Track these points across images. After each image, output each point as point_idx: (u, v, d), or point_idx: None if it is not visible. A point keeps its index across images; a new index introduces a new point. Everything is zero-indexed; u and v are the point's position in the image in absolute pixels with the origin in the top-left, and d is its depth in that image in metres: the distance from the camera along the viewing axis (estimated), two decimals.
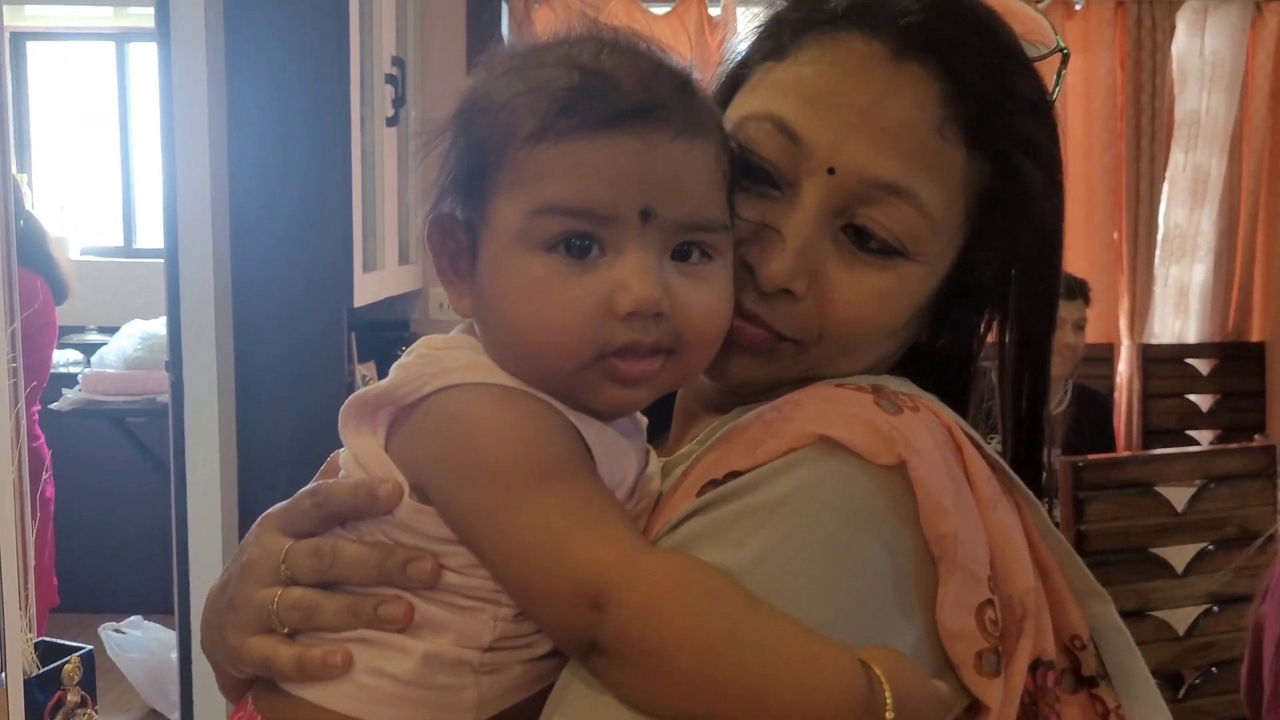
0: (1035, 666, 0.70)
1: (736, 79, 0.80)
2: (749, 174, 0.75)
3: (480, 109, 0.71)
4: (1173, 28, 3.84)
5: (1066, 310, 3.10)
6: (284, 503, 0.76)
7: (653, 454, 0.76)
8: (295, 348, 2.78)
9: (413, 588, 0.69)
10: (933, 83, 0.73)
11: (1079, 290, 3.16)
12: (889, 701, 0.61)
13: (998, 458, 0.74)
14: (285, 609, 0.72)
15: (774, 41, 0.78)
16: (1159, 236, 3.95)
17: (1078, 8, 3.88)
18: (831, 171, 0.73)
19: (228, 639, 0.74)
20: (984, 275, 0.78)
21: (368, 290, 2.91)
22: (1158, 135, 3.85)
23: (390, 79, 3.25)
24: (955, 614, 0.66)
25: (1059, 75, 0.81)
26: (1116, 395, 3.95)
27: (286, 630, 0.72)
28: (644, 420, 0.77)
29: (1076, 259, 3.96)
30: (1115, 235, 3.94)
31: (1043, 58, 0.79)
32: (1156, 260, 3.96)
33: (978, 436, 0.74)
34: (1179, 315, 4.03)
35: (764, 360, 0.76)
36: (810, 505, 0.66)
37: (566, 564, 0.64)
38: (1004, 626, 0.68)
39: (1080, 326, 3.16)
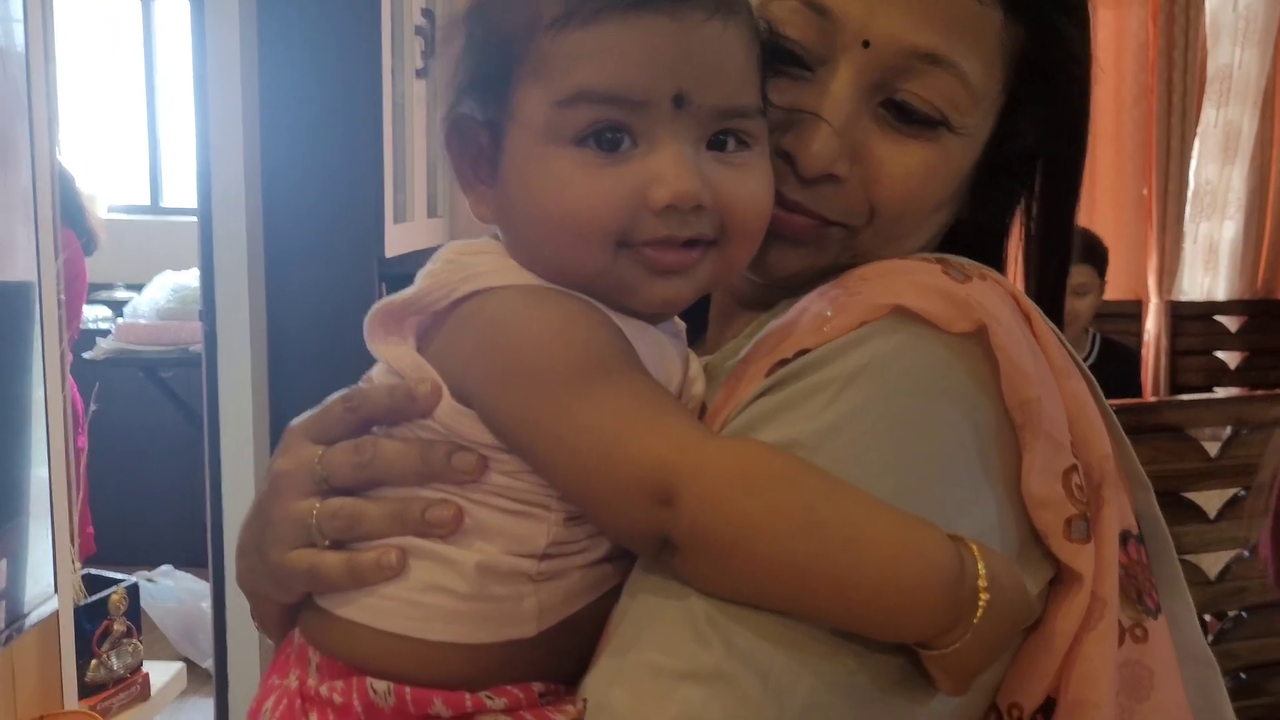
0: (1125, 540, 0.69)
1: None
2: (779, 56, 0.72)
3: None
4: None
5: (1085, 274, 3.06)
6: (313, 410, 0.73)
7: (694, 357, 0.74)
8: (327, 297, 2.80)
9: (459, 481, 0.66)
10: None
11: (1088, 254, 3.10)
12: (982, 574, 0.58)
13: (1057, 330, 0.72)
14: (326, 519, 0.68)
15: None
16: (1189, 193, 3.94)
17: None
18: (866, 45, 0.70)
19: (269, 558, 0.70)
20: (1021, 145, 0.77)
21: (399, 241, 2.93)
22: (1189, 91, 3.83)
23: (420, 30, 3.25)
24: (1043, 480, 0.64)
25: None
26: (1144, 352, 3.94)
27: (328, 542, 0.68)
28: (683, 325, 0.75)
29: (1105, 213, 3.95)
30: (1145, 191, 3.93)
31: None
32: (1186, 217, 3.94)
33: (1037, 309, 0.72)
34: (1208, 272, 4.02)
35: (811, 250, 0.74)
36: (886, 376, 0.64)
37: (627, 463, 0.61)
38: (1088, 493, 0.66)
39: (1084, 293, 3.10)
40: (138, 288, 4.29)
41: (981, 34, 0.71)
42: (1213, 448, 2.28)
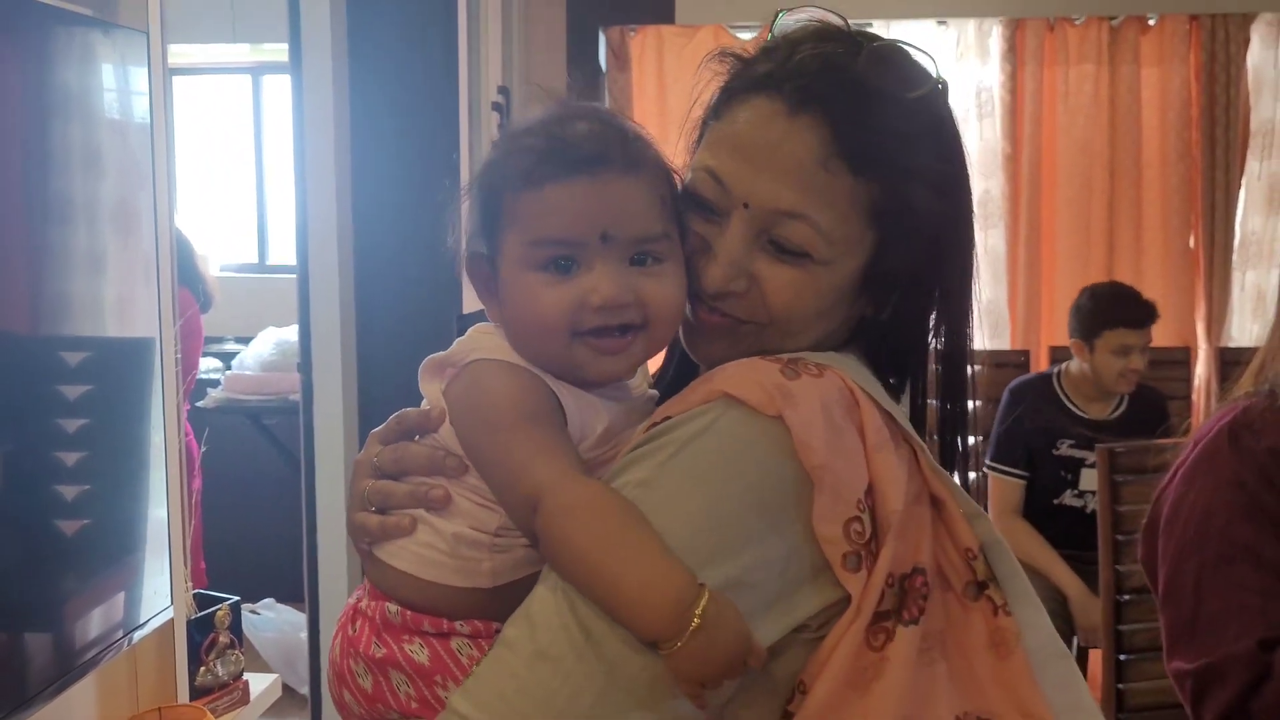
0: (914, 572, 0.90)
1: (700, 134, 1.04)
2: (700, 206, 0.98)
3: (488, 171, 0.98)
4: (1247, 40, 3.94)
5: (1135, 337, 3.22)
6: (384, 423, 1.04)
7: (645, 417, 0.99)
8: (411, 350, 2.96)
9: (449, 476, 0.96)
10: (816, 129, 0.93)
11: (1149, 316, 3.27)
12: (700, 608, 0.81)
13: (897, 414, 0.95)
14: (373, 493, 1.00)
15: (715, 105, 1.01)
16: (1235, 242, 4.05)
17: (1151, 22, 4.01)
18: (746, 206, 0.96)
19: (349, 518, 1.02)
20: (894, 266, 0.99)
21: (474, 299, 3.16)
22: (1232, 144, 3.96)
23: (496, 106, 3.51)
24: (826, 523, 0.87)
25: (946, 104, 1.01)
26: (1195, 397, 4.05)
27: (374, 509, 1.00)
28: (651, 393, 1.03)
29: (1153, 264, 4.09)
30: (1191, 242, 4.05)
31: (924, 93, 0.98)
32: (1233, 265, 4.05)
33: (881, 395, 0.95)
34: (1256, 319, 4.12)
35: (730, 340, 0.99)
36: (708, 442, 0.88)
37: (522, 481, 0.89)
38: (871, 537, 0.88)
39: (1143, 349, 3.26)
40: (246, 340, 4.57)
41: (832, 194, 0.94)
42: None
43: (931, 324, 1.04)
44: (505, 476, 0.92)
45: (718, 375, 0.93)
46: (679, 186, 1.00)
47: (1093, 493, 3.16)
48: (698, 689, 0.84)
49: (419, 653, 0.96)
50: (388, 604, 0.98)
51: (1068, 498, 3.29)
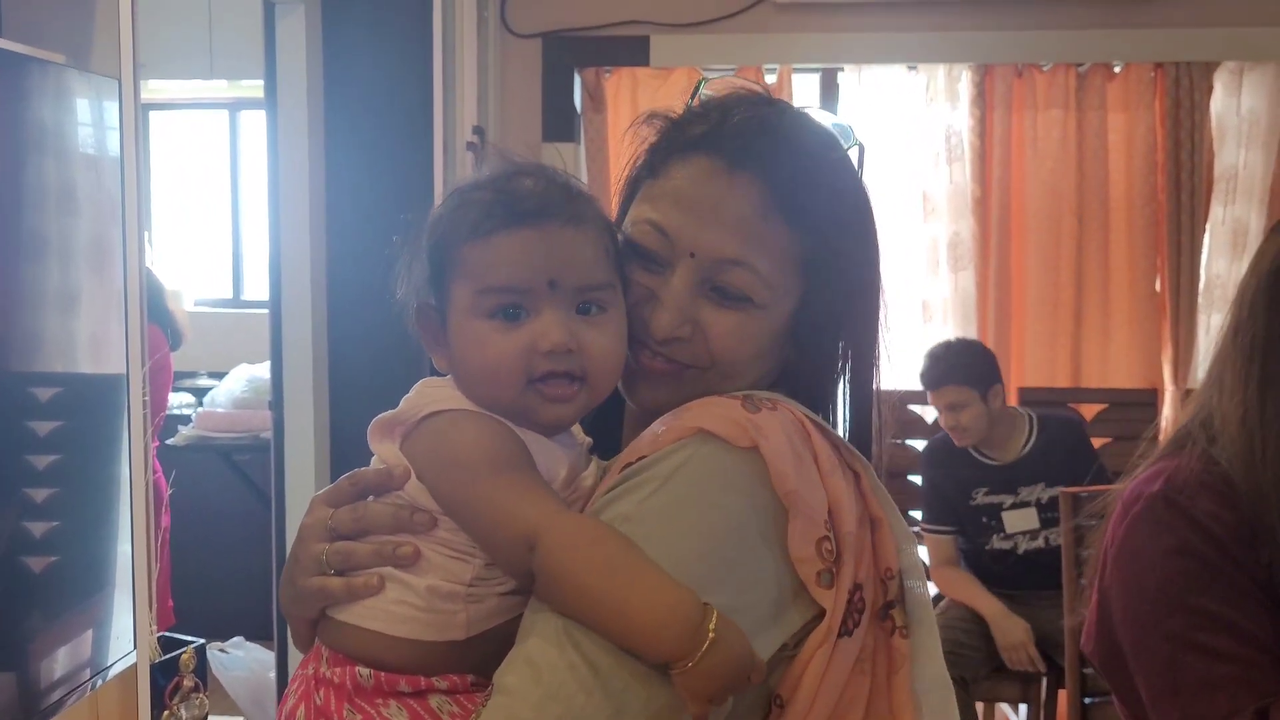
0: (855, 588, 0.95)
1: (632, 191, 1.09)
2: (643, 257, 1.03)
3: (437, 224, 1.01)
4: (1210, 88, 4.01)
5: (956, 394, 3.30)
6: (328, 486, 1.04)
7: (594, 462, 1.04)
8: (384, 388, 3.02)
9: (416, 532, 0.97)
10: (755, 185, 1.00)
11: (964, 374, 3.32)
12: (712, 628, 0.84)
13: (840, 440, 1.01)
14: (332, 555, 0.99)
15: (650, 165, 1.07)
16: (1200, 286, 4.10)
17: (1117, 70, 4.07)
18: (693, 255, 1.01)
19: (296, 585, 1.01)
20: (819, 312, 1.05)
21: None
22: (1197, 189, 4.01)
23: (471, 146, 3.54)
24: (800, 544, 0.92)
25: (860, 164, 1.08)
26: (1161, 439, 4.07)
27: (333, 571, 0.99)
28: (587, 440, 1.06)
29: (1119, 307, 4.13)
30: (1158, 285, 4.10)
31: (843, 152, 1.06)
32: (1199, 308, 4.10)
33: (826, 425, 1.01)
34: None
35: (673, 385, 1.03)
36: (689, 475, 0.92)
37: (511, 523, 0.91)
38: (836, 555, 0.94)
39: (958, 408, 3.32)
40: (220, 375, 4.60)
41: (769, 243, 1.01)
42: None
43: (844, 367, 1.09)
44: (490, 523, 0.93)
45: (687, 413, 0.97)
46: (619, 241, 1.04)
47: (1022, 533, 3.33)
48: (706, 707, 0.85)
49: (397, 715, 0.96)
50: (358, 668, 0.97)
51: (996, 542, 3.37)
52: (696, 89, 1.10)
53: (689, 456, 0.93)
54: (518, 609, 0.96)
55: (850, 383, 1.09)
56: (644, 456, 0.95)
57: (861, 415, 1.09)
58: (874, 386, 1.10)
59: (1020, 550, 3.33)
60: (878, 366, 1.10)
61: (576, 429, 1.06)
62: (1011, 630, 3.20)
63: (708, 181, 1.02)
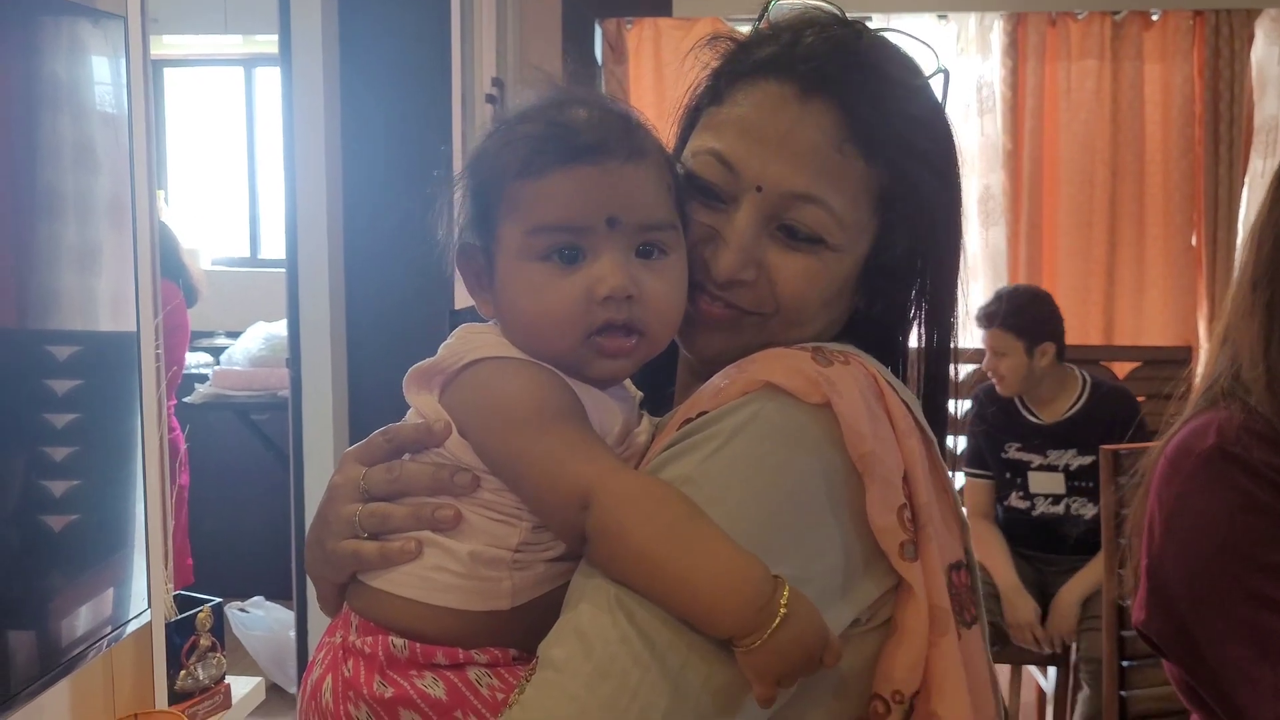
0: (959, 567, 0.88)
1: (692, 120, 1.00)
2: (703, 192, 0.95)
3: (482, 160, 0.92)
4: (1251, 36, 3.90)
5: (993, 339, 3.21)
6: (361, 442, 0.96)
7: (646, 417, 0.96)
8: (402, 346, 3.00)
9: (458, 494, 0.89)
10: (830, 113, 0.92)
11: (1008, 319, 3.23)
12: (784, 602, 0.76)
13: (915, 399, 0.93)
14: (366, 518, 0.91)
15: (713, 91, 0.98)
16: (1238, 241, 4.01)
17: (1155, 17, 3.96)
18: (759, 189, 0.93)
19: (326, 548, 0.93)
20: (895, 256, 0.97)
21: (467, 295, 3.13)
22: (1236, 142, 3.92)
23: (490, 98, 3.47)
24: (881, 512, 0.84)
25: (944, 92, 0.99)
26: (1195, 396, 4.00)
27: (366, 535, 0.92)
28: (638, 394, 0.98)
29: (1154, 263, 4.05)
30: (1194, 240, 4.01)
31: (932, 77, 0.97)
32: (1236, 264, 4.00)
33: (898, 383, 0.93)
34: None
35: (733, 333, 0.95)
36: (756, 432, 0.84)
37: (564, 480, 0.83)
38: (917, 526, 0.86)
39: (999, 354, 3.24)
40: (237, 335, 4.56)
41: (844, 178, 0.93)
42: None
43: (919, 319, 1.01)
44: (541, 479, 0.85)
45: (752, 365, 0.89)
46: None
47: (1042, 496, 3.27)
48: (773, 689, 0.78)
49: (434, 687, 0.88)
50: (391, 638, 0.90)
51: (1014, 499, 3.33)
52: (765, 9, 1.00)
53: (755, 413, 0.85)
54: (565, 576, 0.88)
55: (924, 336, 1.01)
56: (705, 412, 0.87)
57: (937, 372, 1.01)
58: (950, 342, 1.01)
59: (1035, 512, 3.28)
60: (955, 319, 1.01)
61: (628, 381, 0.98)
62: (1021, 609, 3.17)
63: (777, 109, 0.93)
